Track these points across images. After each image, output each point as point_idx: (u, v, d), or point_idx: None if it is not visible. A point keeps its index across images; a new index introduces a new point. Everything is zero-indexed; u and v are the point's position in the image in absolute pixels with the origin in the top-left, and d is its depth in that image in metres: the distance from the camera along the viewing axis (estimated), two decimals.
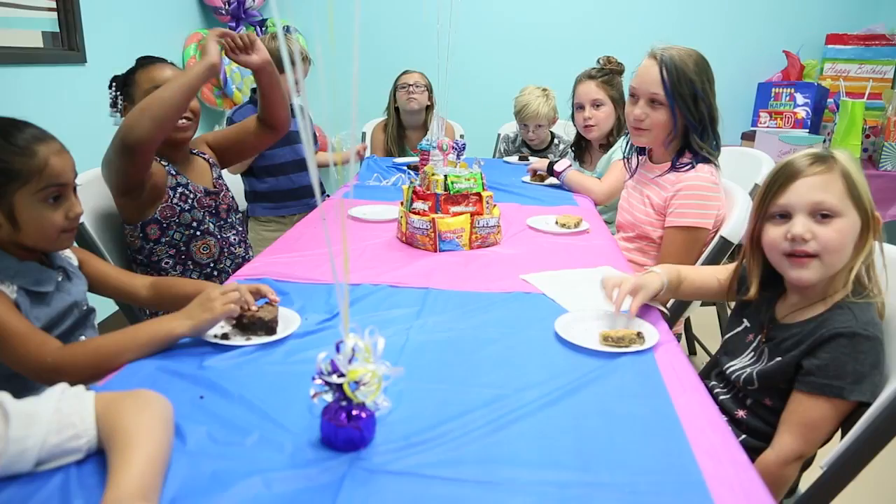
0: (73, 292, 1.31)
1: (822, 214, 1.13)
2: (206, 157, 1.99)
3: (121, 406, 0.80)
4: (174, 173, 1.80)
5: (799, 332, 1.17)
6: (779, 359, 1.19)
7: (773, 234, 1.19)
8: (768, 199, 1.20)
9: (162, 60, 1.84)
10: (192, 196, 1.82)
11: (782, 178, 1.17)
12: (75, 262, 1.38)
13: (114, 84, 1.83)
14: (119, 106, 1.82)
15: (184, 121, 1.79)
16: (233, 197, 2.02)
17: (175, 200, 1.79)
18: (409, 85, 3.19)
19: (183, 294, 1.40)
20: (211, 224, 1.87)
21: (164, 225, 1.77)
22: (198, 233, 1.83)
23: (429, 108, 3.28)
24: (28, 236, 1.19)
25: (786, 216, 1.17)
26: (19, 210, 1.16)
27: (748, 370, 1.25)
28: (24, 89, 2.49)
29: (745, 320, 1.35)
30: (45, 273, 1.24)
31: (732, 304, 1.42)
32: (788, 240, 1.15)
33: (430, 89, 3.25)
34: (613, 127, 2.62)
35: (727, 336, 1.38)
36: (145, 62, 1.82)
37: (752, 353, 1.27)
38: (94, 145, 2.75)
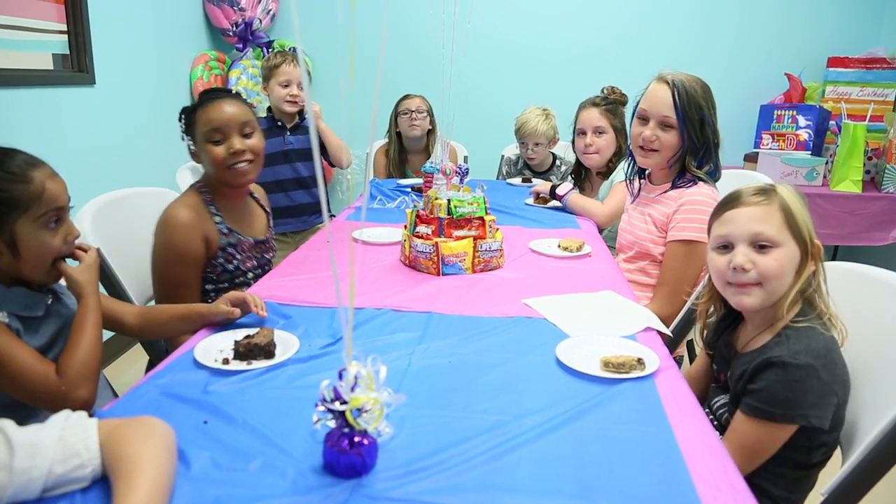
0: (63, 313, 1.29)
1: (761, 245, 1.19)
2: (261, 203, 1.96)
3: (124, 433, 0.81)
4: (226, 231, 1.74)
5: (747, 362, 1.20)
6: (734, 391, 1.23)
7: (717, 262, 1.26)
8: (713, 227, 1.29)
9: (225, 94, 1.76)
10: (239, 254, 1.78)
11: (725, 206, 1.26)
12: (64, 283, 1.35)
13: (183, 116, 1.76)
14: (185, 140, 1.76)
15: (244, 164, 1.73)
16: (275, 241, 1.99)
17: (220, 260, 1.74)
18: (412, 111, 3.19)
19: (169, 316, 1.43)
20: (251, 274, 1.83)
21: (202, 278, 1.74)
22: (234, 284, 1.81)
23: (430, 132, 3.28)
24: (27, 264, 1.18)
25: (728, 246, 1.24)
26: (21, 238, 1.15)
27: (724, 410, 1.29)
28: (35, 111, 2.52)
29: (714, 365, 1.41)
30: (34, 297, 1.23)
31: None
32: (731, 269, 1.22)
33: (431, 113, 3.25)
34: (613, 155, 2.64)
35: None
36: (205, 99, 1.73)
37: (728, 394, 1.30)
38: (103, 167, 2.80)
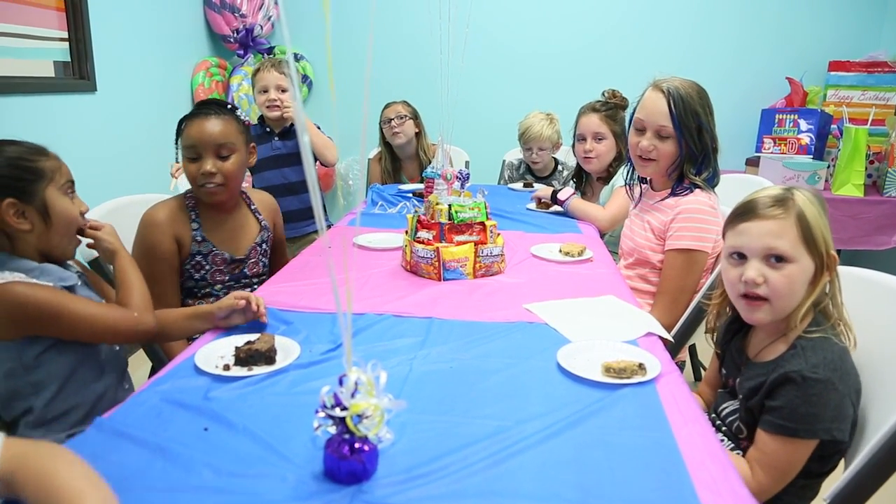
0: (89, 296, 1.36)
1: (776, 258, 1.18)
2: (261, 218, 1.94)
3: (44, 463, 0.73)
4: (200, 239, 1.77)
5: (762, 374, 1.19)
6: (747, 402, 1.22)
7: (730, 274, 1.25)
8: (727, 235, 1.27)
9: (216, 109, 1.75)
10: (208, 266, 1.79)
11: (741, 216, 1.24)
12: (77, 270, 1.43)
13: (179, 124, 1.78)
14: (175, 147, 1.77)
15: (212, 186, 1.73)
16: (265, 264, 1.95)
17: (188, 267, 1.78)
18: (391, 119, 3.17)
19: (175, 316, 1.45)
20: (219, 286, 1.83)
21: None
22: (200, 293, 1.83)
23: (418, 136, 3.25)
24: (57, 232, 1.30)
25: (742, 257, 1.23)
26: (51, 204, 1.29)
27: (734, 417, 1.28)
28: (36, 119, 2.53)
29: (723, 369, 1.40)
30: (65, 272, 1.32)
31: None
32: (743, 282, 1.21)
33: (414, 116, 3.21)
34: (613, 160, 2.64)
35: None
36: (194, 112, 1.74)
37: (737, 401, 1.30)
38: (105, 174, 2.81)
